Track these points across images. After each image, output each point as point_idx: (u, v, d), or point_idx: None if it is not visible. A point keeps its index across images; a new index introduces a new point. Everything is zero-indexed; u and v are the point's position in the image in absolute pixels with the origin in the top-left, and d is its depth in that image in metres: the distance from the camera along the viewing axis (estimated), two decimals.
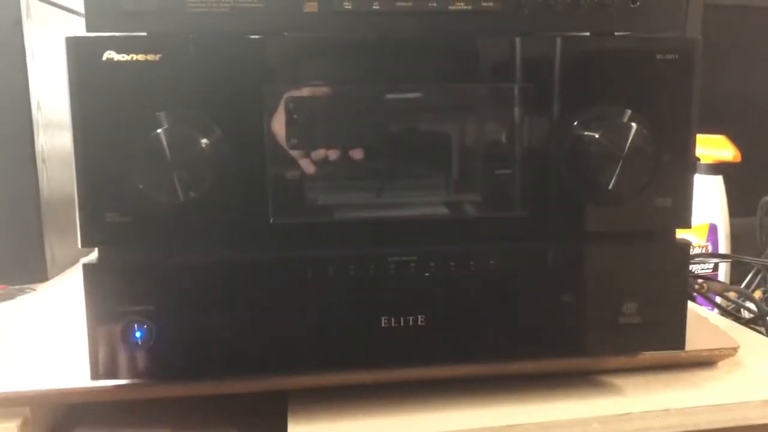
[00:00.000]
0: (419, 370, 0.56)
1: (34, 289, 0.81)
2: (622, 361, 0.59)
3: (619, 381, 0.59)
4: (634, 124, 0.51)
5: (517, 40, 0.53)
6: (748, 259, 0.99)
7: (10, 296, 0.78)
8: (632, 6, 0.53)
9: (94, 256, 0.51)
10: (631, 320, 0.55)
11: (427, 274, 0.53)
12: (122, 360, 0.51)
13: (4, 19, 0.80)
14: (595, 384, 0.58)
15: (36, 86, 0.82)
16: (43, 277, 0.84)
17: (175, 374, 0.53)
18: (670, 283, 0.56)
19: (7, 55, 0.80)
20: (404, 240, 0.53)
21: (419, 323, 0.53)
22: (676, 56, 0.53)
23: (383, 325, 0.53)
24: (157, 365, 0.51)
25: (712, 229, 1.07)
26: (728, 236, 1.07)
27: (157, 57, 0.49)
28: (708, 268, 1.04)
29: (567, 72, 0.53)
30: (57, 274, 0.86)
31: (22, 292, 0.80)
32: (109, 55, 0.48)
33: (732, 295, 0.90)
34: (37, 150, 0.82)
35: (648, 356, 0.59)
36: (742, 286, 0.95)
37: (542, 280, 0.55)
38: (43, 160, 0.83)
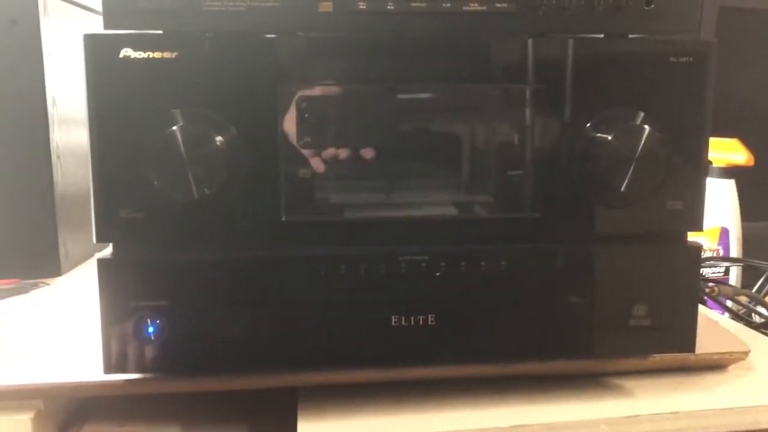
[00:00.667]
0: (428, 369, 0.56)
1: (48, 284, 0.82)
2: (631, 363, 0.59)
3: (628, 383, 0.59)
4: (646, 127, 0.51)
5: (531, 41, 0.53)
6: (759, 263, 0.98)
7: (23, 290, 0.79)
8: (646, 8, 0.53)
9: (108, 251, 0.52)
10: (641, 323, 0.55)
11: (437, 274, 0.53)
12: (135, 354, 0.51)
13: (21, 16, 0.80)
14: (603, 386, 0.58)
15: (52, 83, 0.83)
16: (56, 271, 0.85)
17: (186, 369, 0.53)
18: (681, 286, 0.56)
19: (25, 52, 0.81)
20: (415, 239, 0.53)
21: (429, 323, 0.53)
22: (690, 59, 0.53)
23: (393, 323, 0.53)
24: (168, 360, 0.52)
25: (724, 233, 1.06)
26: (740, 240, 1.07)
27: (173, 55, 0.49)
28: (719, 272, 1.04)
29: (580, 74, 0.53)
30: (70, 269, 0.87)
31: (35, 286, 0.81)
32: (126, 52, 0.49)
33: (743, 299, 0.89)
34: (52, 146, 0.83)
35: (658, 359, 0.59)
36: (754, 290, 0.94)
37: (552, 281, 0.55)
38: (58, 156, 0.84)
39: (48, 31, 0.82)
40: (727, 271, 1.05)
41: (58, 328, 0.65)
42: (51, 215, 0.84)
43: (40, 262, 0.84)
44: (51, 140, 0.83)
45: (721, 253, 1.07)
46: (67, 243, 0.86)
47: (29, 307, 0.73)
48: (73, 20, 0.90)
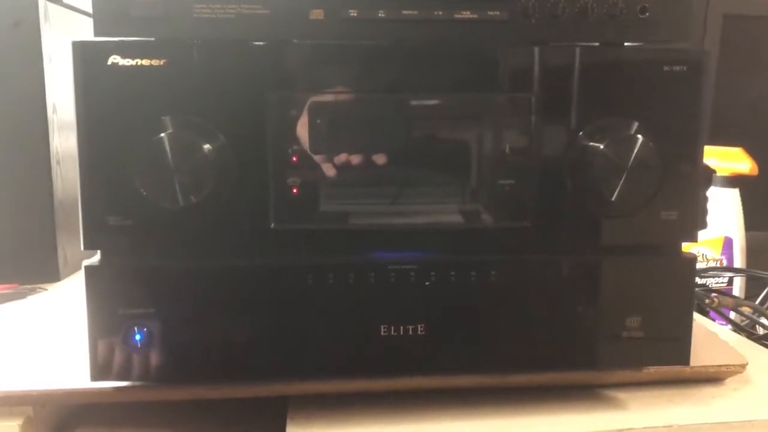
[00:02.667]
0: (418, 380, 0.56)
1: (46, 289, 0.82)
2: (625, 375, 0.59)
3: (622, 395, 0.58)
4: (639, 136, 0.51)
5: (524, 50, 0.52)
6: (763, 273, 0.97)
7: (21, 295, 0.79)
8: (641, 17, 0.52)
9: (96, 258, 0.52)
10: (634, 334, 0.55)
11: (427, 284, 0.53)
12: (122, 362, 0.51)
13: (22, 22, 0.81)
14: (597, 398, 0.58)
15: (52, 89, 0.83)
16: (55, 277, 0.85)
17: (173, 378, 0.53)
18: (676, 298, 0.55)
19: (25, 58, 0.81)
20: (405, 248, 0.53)
21: (419, 332, 0.53)
22: (685, 68, 0.53)
23: (383, 333, 0.53)
24: (156, 368, 0.52)
25: (727, 243, 1.05)
26: (744, 250, 1.06)
27: (162, 62, 0.49)
28: (722, 282, 1.02)
29: (574, 82, 0.53)
30: (69, 275, 0.87)
31: (33, 291, 0.81)
32: (114, 59, 0.49)
33: (746, 310, 0.88)
34: (51, 152, 0.83)
35: (652, 371, 0.58)
36: (757, 301, 0.93)
37: (544, 291, 0.54)
38: (58, 162, 0.85)
39: (48, 37, 0.82)
40: (730, 282, 1.04)
41: (54, 334, 0.65)
42: (50, 221, 0.84)
43: (38, 268, 0.84)
44: (51, 146, 0.83)
45: (725, 263, 1.06)
46: (66, 248, 0.86)
47: (26, 312, 0.73)
48: (74, 26, 0.90)
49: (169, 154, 0.47)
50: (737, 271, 1.03)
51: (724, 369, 0.60)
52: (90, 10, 0.79)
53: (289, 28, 0.51)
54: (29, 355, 0.59)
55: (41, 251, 0.84)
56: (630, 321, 0.55)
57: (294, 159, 0.51)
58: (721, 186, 1.04)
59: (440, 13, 0.51)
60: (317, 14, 0.51)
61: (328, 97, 0.52)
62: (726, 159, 1.04)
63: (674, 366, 0.58)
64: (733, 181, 1.05)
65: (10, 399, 0.53)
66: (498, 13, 0.52)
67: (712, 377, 0.60)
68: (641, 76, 0.53)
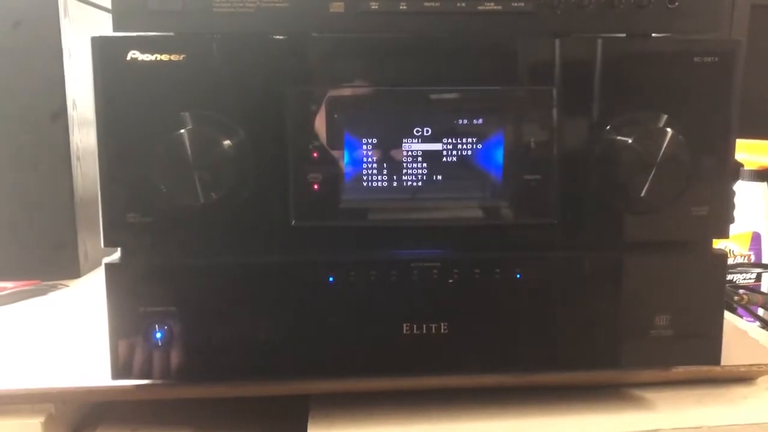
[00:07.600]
0: (441, 379, 0.55)
1: (67, 285, 0.82)
2: (653, 374, 0.57)
3: (650, 395, 0.57)
4: (669, 130, 0.50)
5: (549, 41, 0.51)
6: None
7: (42, 292, 0.79)
8: (670, 6, 0.51)
9: (117, 255, 0.51)
10: (663, 333, 0.53)
11: (450, 281, 0.52)
12: (142, 360, 0.51)
13: (42, 18, 0.81)
14: (624, 397, 0.57)
15: (72, 85, 0.83)
16: (76, 273, 0.85)
17: (194, 376, 0.52)
18: (706, 296, 0.54)
19: (45, 54, 0.81)
20: (427, 245, 0.52)
21: (442, 331, 0.52)
22: (716, 59, 0.51)
23: (405, 331, 0.52)
24: (176, 366, 0.51)
25: (756, 238, 1.03)
26: None
27: (181, 57, 0.48)
28: (750, 279, 1.00)
29: (601, 74, 0.52)
30: (90, 271, 0.88)
31: (54, 288, 0.81)
32: (133, 54, 0.48)
33: None
34: (72, 148, 0.83)
35: (681, 370, 0.57)
36: None
37: (570, 289, 0.53)
38: (78, 158, 0.85)
39: (68, 33, 0.82)
40: (758, 278, 1.02)
41: (75, 331, 0.65)
42: (71, 217, 0.84)
43: (59, 264, 0.84)
44: (71, 142, 0.83)
45: (753, 258, 1.04)
46: (86, 245, 0.86)
47: (47, 309, 0.73)
48: (94, 22, 0.90)
49: (189, 150, 0.47)
50: (766, 267, 1.01)
51: (755, 368, 0.58)
52: (109, 5, 0.79)
53: (308, 22, 0.50)
54: (51, 352, 0.59)
55: (62, 247, 0.84)
56: (659, 319, 0.53)
57: (314, 154, 0.51)
58: (749, 180, 1.02)
59: (463, 4, 0.50)
60: (337, 7, 0.50)
61: (349, 92, 0.51)
62: (754, 152, 1.02)
63: (703, 365, 0.56)
64: (761, 174, 1.03)
65: (32, 396, 0.53)
66: (522, 4, 0.51)
67: (742, 377, 0.59)
68: (671, 68, 0.51)
